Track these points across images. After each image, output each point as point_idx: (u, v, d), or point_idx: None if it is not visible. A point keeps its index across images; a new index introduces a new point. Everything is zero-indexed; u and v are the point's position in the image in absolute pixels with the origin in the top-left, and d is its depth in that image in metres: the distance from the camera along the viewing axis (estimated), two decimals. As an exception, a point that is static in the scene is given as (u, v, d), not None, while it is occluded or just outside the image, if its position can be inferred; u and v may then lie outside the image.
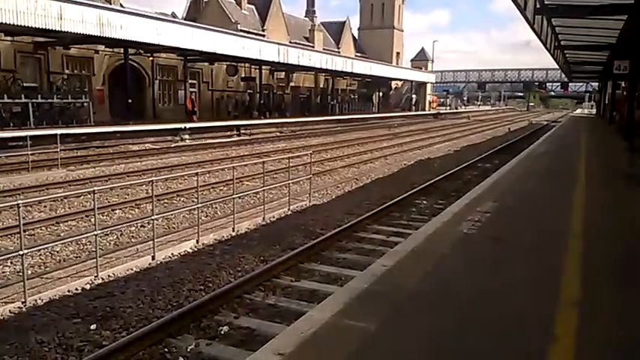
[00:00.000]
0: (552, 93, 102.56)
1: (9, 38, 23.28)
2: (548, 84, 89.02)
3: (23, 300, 6.22)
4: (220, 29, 30.53)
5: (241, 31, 38.92)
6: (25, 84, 23.57)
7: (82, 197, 11.47)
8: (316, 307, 4.19)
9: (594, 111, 65.21)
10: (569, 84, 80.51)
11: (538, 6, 17.75)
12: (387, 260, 5.11)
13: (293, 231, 9.53)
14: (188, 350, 5.07)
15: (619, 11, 17.45)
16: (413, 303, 4.11)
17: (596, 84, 64.13)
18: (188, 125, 26.08)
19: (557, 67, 50.10)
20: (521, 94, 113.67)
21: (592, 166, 13.14)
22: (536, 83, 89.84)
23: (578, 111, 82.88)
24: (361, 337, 3.48)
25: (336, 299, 4.12)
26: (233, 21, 41.56)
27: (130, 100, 25.53)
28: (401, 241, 6.60)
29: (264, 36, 42.94)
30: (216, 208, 11.31)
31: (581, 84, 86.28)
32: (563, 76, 65.26)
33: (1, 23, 18.31)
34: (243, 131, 29.55)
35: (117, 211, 10.91)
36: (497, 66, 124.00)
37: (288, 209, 11.32)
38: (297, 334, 3.48)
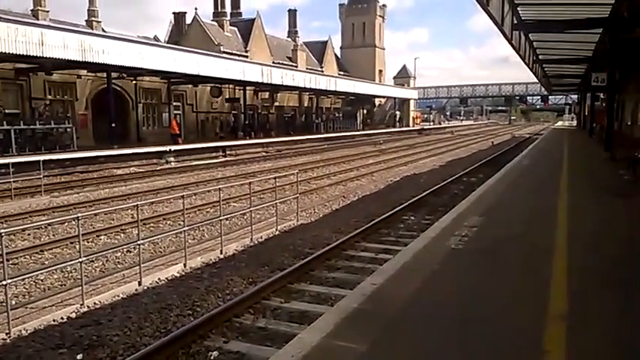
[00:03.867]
0: (533, 106, 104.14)
1: (-10, 65, 23.15)
2: (528, 97, 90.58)
3: (7, 331, 6.08)
4: (203, 51, 30.69)
5: (224, 52, 39.16)
6: (6, 110, 23.40)
7: (67, 224, 11.32)
8: (306, 329, 4.15)
9: (575, 123, 66.29)
10: (550, 97, 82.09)
11: (515, 22, 18.15)
12: (376, 278, 5.10)
13: (281, 251, 9.48)
14: (177, 377, 4.98)
15: (594, 25, 17.91)
16: (403, 321, 4.09)
17: (576, 96, 65.35)
18: (173, 148, 25.99)
19: (536, 80, 51.07)
20: (503, 108, 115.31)
21: (575, 178, 13.31)
22: (517, 97, 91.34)
23: (559, 123, 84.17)
24: (353, 358, 3.45)
25: (326, 320, 4.09)
26: (216, 43, 41.78)
27: (113, 125, 25.41)
28: (390, 258, 6.59)
29: (247, 57, 43.18)
30: (204, 230, 11.22)
31: (561, 96, 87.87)
32: (543, 89, 66.44)
33: (-18, 51, 18.24)
34: (228, 152, 29.52)
35: (102, 237, 10.77)
36: (478, 81, 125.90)
37: (276, 229, 11.27)
38: (288, 358, 3.44)
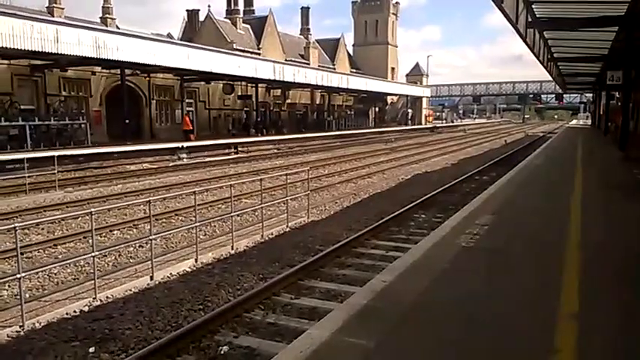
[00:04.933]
0: (547, 105, 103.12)
1: (5, 62, 23.42)
2: (542, 96, 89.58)
3: (21, 324, 6.17)
4: (216, 49, 30.78)
5: (237, 50, 39.23)
6: (22, 106, 23.66)
7: (80, 218, 11.44)
8: (315, 324, 4.16)
9: (589, 122, 65.56)
10: (564, 95, 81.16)
11: (530, 19, 17.96)
12: (386, 276, 5.10)
13: (292, 248, 9.51)
14: (188, 371, 5.02)
15: (610, 23, 17.66)
16: (412, 319, 4.09)
17: (591, 95, 64.61)
18: (186, 144, 26.13)
19: (550, 79, 50.54)
20: (517, 107, 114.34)
21: (588, 177, 13.16)
22: (531, 95, 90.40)
23: (574, 122, 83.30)
24: (361, 354, 3.46)
25: (335, 317, 4.11)
26: (229, 40, 41.90)
27: (127, 121, 25.60)
28: (400, 256, 6.58)
29: (259, 54, 43.26)
30: (215, 226, 11.29)
31: (576, 95, 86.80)
32: (558, 87, 65.77)
33: (-2, 47, 18.46)
34: (240, 149, 29.62)
35: (115, 232, 10.88)
36: (490, 79, 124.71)
37: (287, 226, 11.30)
38: (297, 354, 3.46)
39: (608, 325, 4.00)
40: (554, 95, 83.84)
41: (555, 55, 28.49)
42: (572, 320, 4.03)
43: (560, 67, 35.85)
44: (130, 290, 7.44)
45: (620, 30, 18.37)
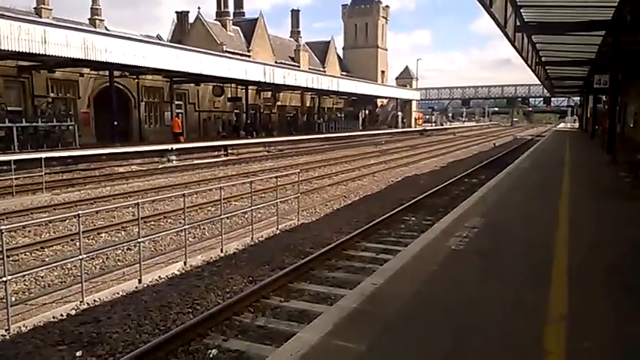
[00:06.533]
0: (535, 108, 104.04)
1: (-8, 62, 23.18)
2: (531, 99, 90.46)
3: (7, 327, 6.08)
4: (206, 51, 30.71)
5: (227, 52, 39.18)
6: (9, 108, 23.44)
7: (67, 221, 11.31)
8: (305, 327, 4.14)
9: (577, 125, 66.19)
10: (552, 99, 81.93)
11: (518, 24, 18.11)
12: (376, 278, 5.09)
13: (282, 250, 9.47)
14: (176, 375, 4.97)
15: (597, 27, 17.88)
16: (402, 322, 4.08)
17: (578, 98, 65.27)
18: (175, 146, 26.00)
19: (539, 82, 50.98)
20: (505, 110, 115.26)
21: (576, 180, 13.28)
22: (520, 99, 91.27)
23: (561, 125, 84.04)
24: (351, 358, 3.45)
25: (325, 320, 4.09)
26: (219, 42, 41.83)
27: (115, 123, 25.44)
28: (390, 259, 6.58)
29: (249, 57, 43.21)
30: (204, 229, 11.22)
31: (564, 98, 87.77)
32: (546, 91, 66.36)
33: (-16, 48, 18.27)
34: (230, 151, 29.52)
35: (103, 235, 10.78)
36: (479, 83, 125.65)
37: (277, 228, 11.27)
38: (286, 357, 3.44)
39: (597, 326, 4.02)
40: (542, 99, 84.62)
41: (543, 58, 28.75)
42: (561, 322, 4.04)
43: (548, 71, 36.21)
44: (118, 293, 7.36)
45: (607, 34, 18.59)
